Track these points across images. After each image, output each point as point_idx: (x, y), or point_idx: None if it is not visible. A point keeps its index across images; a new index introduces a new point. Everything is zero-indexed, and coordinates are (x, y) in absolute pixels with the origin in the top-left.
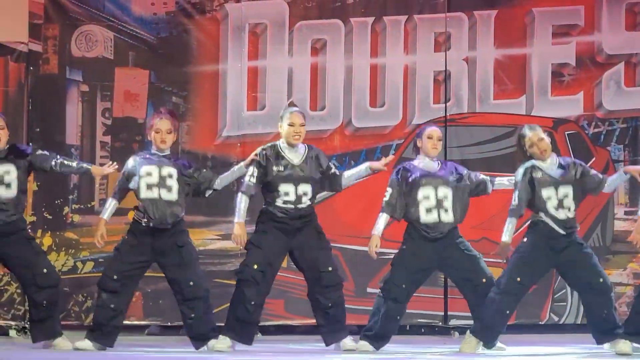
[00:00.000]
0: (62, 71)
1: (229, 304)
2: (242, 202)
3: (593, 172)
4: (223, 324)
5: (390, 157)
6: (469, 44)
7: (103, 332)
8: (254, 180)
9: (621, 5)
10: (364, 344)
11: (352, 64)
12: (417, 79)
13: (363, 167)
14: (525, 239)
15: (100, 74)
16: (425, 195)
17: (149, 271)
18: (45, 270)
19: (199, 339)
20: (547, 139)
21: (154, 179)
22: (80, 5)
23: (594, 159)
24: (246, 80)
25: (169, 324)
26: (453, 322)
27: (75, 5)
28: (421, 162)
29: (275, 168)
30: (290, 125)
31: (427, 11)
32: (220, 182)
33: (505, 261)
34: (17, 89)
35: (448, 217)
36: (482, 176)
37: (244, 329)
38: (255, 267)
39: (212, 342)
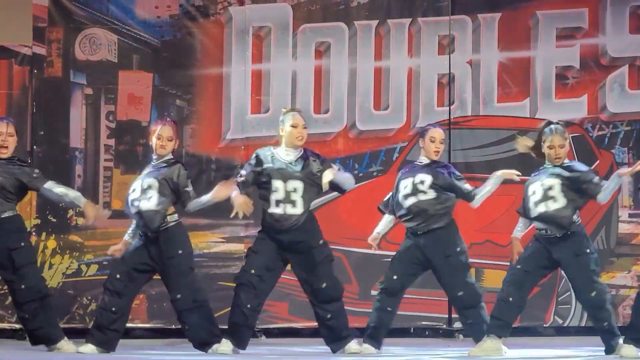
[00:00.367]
0: (66, 74)
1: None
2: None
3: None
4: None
5: None
6: (473, 47)
7: (104, 336)
8: (242, 179)
9: (625, 8)
10: (367, 347)
11: (356, 67)
12: (421, 81)
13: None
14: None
15: (104, 77)
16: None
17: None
18: (22, 287)
19: (201, 346)
20: (567, 149)
21: (137, 194)
22: (84, 8)
23: (598, 161)
24: (250, 83)
25: (173, 326)
26: (457, 325)
27: (79, 9)
28: (423, 163)
29: (266, 165)
30: (294, 126)
31: (431, 14)
32: (194, 205)
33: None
34: (21, 92)
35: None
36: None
37: (238, 332)
38: (252, 271)
39: (215, 346)
